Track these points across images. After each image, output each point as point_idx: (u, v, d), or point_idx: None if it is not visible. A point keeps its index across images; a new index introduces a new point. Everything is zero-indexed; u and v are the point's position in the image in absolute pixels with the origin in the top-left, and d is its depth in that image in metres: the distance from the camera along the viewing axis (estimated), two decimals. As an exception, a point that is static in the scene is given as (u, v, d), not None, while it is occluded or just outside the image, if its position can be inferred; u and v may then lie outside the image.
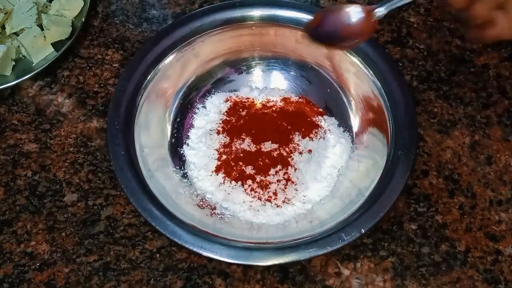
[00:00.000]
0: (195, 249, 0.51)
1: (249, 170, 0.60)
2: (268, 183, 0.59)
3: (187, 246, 0.51)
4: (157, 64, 0.61)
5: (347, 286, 0.55)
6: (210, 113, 0.64)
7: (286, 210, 0.58)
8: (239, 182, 0.59)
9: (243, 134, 0.61)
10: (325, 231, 0.53)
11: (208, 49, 0.65)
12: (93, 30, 0.71)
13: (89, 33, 0.70)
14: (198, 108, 0.65)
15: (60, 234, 0.58)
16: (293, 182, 0.59)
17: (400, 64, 0.68)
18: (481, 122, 0.65)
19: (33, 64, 0.66)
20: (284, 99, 0.65)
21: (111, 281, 0.56)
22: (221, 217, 0.58)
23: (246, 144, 0.61)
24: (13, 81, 0.64)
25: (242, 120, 0.62)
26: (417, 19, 0.72)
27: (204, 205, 0.58)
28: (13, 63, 0.66)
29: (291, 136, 0.61)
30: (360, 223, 0.52)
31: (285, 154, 0.60)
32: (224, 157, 0.60)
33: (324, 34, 0.53)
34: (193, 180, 0.60)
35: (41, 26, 0.67)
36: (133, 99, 0.59)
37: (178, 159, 0.62)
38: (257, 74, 0.67)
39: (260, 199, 0.58)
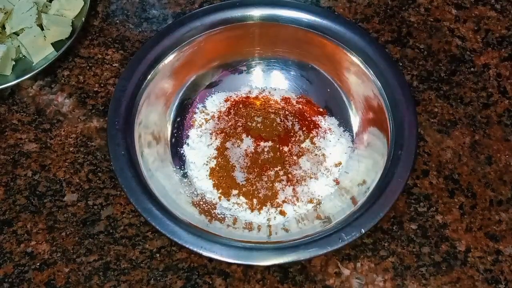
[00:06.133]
0: (195, 249, 0.51)
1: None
2: (268, 183, 0.59)
3: (187, 246, 0.51)
4: (157, 64, 0.61)
5: (347, 286, 0.55)
6: (210, 113, 0.64)
7: (286, 210, 0.58)
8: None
9: (243, 134, 0.61)
10: (325, 231, 0.53)
11: (208, 49, 0.65)
12: (93, 30, 0.71)
13: (89, 33, 0.70)
14: (198, 108, 0.65)
15: (60, 234, 0.58)
16: (293, 182, 0.59)
17: (400, 64, 0.68)
18: (481, 122, 0.65)
19: (33, 64, 0.66)
20: (284, 99, 0.65)
21: (111, 281, 0.56)
22: (221, 217, 0.58)
23: (246, 144, 0.61)
24: (13, 81, 0.64)
25: (242, 120, 0.62)
26: (417, 19, 0.72)
27: (204, 205, 0.58)
28: (13, 63, 0.66)
29: (291, 136, 0.61)
30: (360, 223, 0.52)
31: (285, 154, 0.60)
32: (224, 157, 0.60)
33: None
34: (193, 180, 0.60)
35: (41, 26, 0.67)
36: (133, 99, 0.59)
37: (178, 159, 0.62)
38: (257, 74, 0.67)
39: (260, 199, 0.58)
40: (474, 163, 0.62)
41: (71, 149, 0.63)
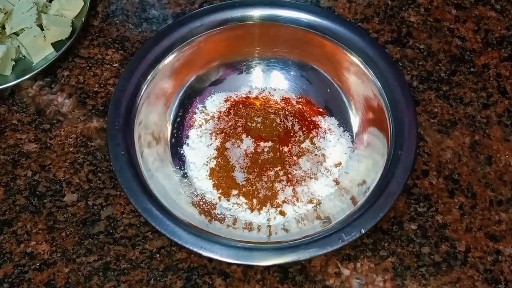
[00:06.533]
0: (195, 249, 0.51)
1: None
2: (268, 183, 0.59)
3: (187, 246, 0.51)
4: (157, 64, 0.61)
5: (347, 286, 0.55)
6: (210, 113, 0.64)
7: (286, 210, 0.58)
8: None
9: (243, 134, 0.61)
10: (325, 231, 0.53)
11: (208, 49, 0.65)
12: (93, 30, 0.71)
13: (89, 33, 0.70)
14: (198, 108, 0.65)
15: (60, 234, 0.58)
16: (293, 182, 0.59)
17: (400, 64, 0.68)
18: (481, 122, 0.65)
19: (33, 64, 0.66)
20: (284, 99, 0.65)
21: (111, 281, 0.56)
22: (221, 217, 0.58)
23: (246, 144, 0.61)
24: (13, 81, 0.64)
25: (242, 120, 0.62)
26: (417, 19, 0.72)
27: (204, 205, 0.58)
28: (13, 63, 0.66)
29: (291, 136, 0.61)
30: (360, 223, 0.52)
31: (285, 154, 0.60)
32: (224, 157, 0.60)
33: None
34: (193, 180, 0.60)
35: (41, 26, 0.67)
36: (133, 99, 0.59)
37: (178, 159, 0.62)
38: (257, 74, 0.67)
39: (260, 199, 0.58)
40: (474, 163, 0.62)
41: (71, 149, 0.63)
